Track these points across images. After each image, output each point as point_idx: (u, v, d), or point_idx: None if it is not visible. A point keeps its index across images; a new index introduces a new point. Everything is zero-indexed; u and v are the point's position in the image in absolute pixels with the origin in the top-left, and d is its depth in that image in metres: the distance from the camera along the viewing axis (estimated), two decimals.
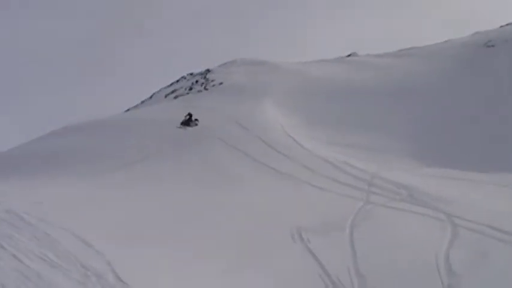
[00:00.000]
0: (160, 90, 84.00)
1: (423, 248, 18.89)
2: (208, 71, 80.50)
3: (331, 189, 28.57)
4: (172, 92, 76.82)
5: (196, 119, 37.29)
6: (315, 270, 17.68)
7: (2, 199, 22.48)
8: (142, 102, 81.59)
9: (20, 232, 18.40)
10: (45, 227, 19.17)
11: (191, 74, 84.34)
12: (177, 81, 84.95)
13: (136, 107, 78.26)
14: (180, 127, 35.05)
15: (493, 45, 69.31)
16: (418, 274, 16.96)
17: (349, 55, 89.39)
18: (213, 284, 16.56)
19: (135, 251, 18.11)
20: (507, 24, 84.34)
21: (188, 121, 36.31)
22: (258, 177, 31.82)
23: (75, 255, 16.84)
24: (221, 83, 68.82)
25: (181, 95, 70.82)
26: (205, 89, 69.17)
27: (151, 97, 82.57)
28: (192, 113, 37.63)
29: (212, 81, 71.96)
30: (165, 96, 75.53)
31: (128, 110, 76.43)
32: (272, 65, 76.70)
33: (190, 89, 73.20)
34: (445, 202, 23.99)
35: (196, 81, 76.31)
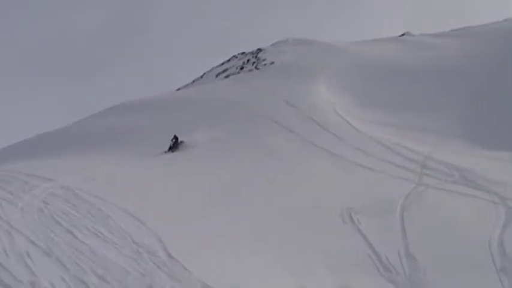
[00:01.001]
0: (211, 69, 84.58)
1: (476, 231, 18.47)
2: (259, 50, 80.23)
3: (382, 170, 28.19)
4: (224, 71, 77.19)
5: (181, 141, 34.24)
6: (365, 251, 17.71)
7: (58, 175, 23.49)
8: (193, 81, 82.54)
9: (74, 208, 19.31)
10: (98, 203, 20.01)
11: (242, 53, 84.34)
12: (228, 60, 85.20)
13: (187, 86, 79.25)
14: (167, 152, 33.00)
15: None
16: (470, 257, 16.65)
17: (402, 34, 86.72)
18: (263, 262, 16.84)
19: (185, 228, 18.66)
20: None
21: (175, 144, 33.45)
22: (309, 158, 31.79)
23: (128, 231, 17.51)
24: (272, 63, 68.57)
25: (233, 74, 71.03)
26: (257, 68, 69.07)
27: (202, 76, 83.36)
28: (177, 135, 34.65)
29: (263, 60, 71.75)
30: (216, 76, 76.04)
31: (179, 89, 77.51)
32: (324, 44, 75.60)
33: (242, 68, 73.29)
34: (499, 184, 23.26)
35: (248, 61, 76.30)
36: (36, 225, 17.08)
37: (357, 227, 19.71)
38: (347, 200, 22.44)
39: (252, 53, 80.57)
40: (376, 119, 43.45)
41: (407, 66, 59.46)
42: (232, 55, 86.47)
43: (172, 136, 33.98)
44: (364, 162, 30.18)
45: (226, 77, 70.71)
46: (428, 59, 61.65)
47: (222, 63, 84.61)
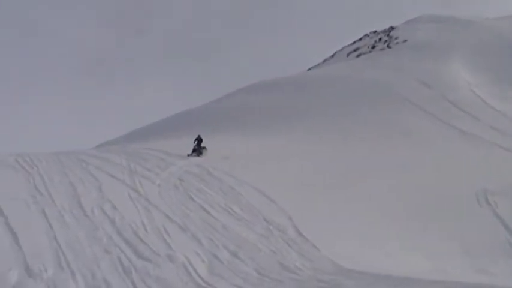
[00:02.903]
0: (342, 48, 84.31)
1: None
2: (392, 28, 78.78)
3: None
4: (355, 50, 76.65)
5: (203, 146, 28.07)
6: (503, 235, 17.22)
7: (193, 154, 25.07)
8: (324, 61, 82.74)
9: (208, 186, 20.65)
10: (231, 181, 21.19)
11: (374, 31, 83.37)
12: (360, 39, 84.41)
13: (318, 65, 79.58)
14: (190, 155, 27.11)
15: None
16: None
17: None
18: (396, 244, 16.85)
19: (315, 207, 19.23)
20: None
21: (199, 147, 27.92)
22: (443, 137, 30.95)
23: (259, 209, 18.43)
24: (405, 41, 66.73)
25: (364, 53, 70.29)
26: (389, 46, 67.77)
27: (333, 56, 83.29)
28: (201, 136, 28.82)
29: (396, 38, 70.24)
30: (347, 55, 75.69)
31: (310, 69, 78.05)
32: (461, 20, 71.56)
33: (373, 47, 72.39)
34: None
35: (380, 39, 75.13)
36: (172, 202, 18.60)
37: (493, 209, 19.11)
38: (483, 182, 21.86)
39: (384, 31, 79.60)
40: None
41: None
42: (363, 34, 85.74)
43: (196, 138, 28.70)
44: (501, 142, 28.86)
45: (358, 56, 70.44)
46: None
47: (354, 42, 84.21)
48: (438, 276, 13.14)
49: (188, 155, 26.68)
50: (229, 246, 15.12)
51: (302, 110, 37.98)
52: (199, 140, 28.55)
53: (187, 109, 50.81)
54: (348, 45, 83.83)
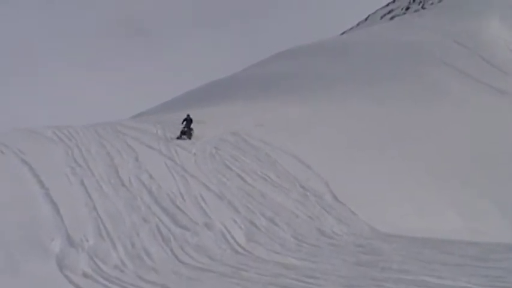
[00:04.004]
0: (376, 11, 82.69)
1: None
2: None
3: None
4: (389, 12, 75.14)
5: (192, 128, 24.28)
6: None
7: (227, 122, 25.07)
8: (358, 24, 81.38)
9: (243, 153, 20.70)
10: (266, 148, 21.21)
11: None
12: (393, 1, 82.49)
13: (351, 29, 78.28)
14: (180, 138, 23.42)
15: None
16: None
17: None
18: (434, 206, 16.73)
19: (351, 172, 19.13)
20: None
21: (189, 129, 23.94)
22: (480, 97, 30.17)
23: (295, 176, 18.43)
24: (440, 1, 64.69)
25: (398, 15, 68.81)
26: (423, 7, 65.97)
27: (366, 19, 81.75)
28: (190, 116, 24.95)
29: None
30: (381, 18, 74.23)
31: (344, 33, 76.87)
32: None
33: (407, 8, 70.77)
34: None
35: (414, 0, 73.23)
36: (208, 170, 18.73)
37: None
38: None
39: None
40: None
41: None
42: None
43: (185, 118, 24.97)
44: None
45: (392, 18, 68.94)
46: None
47: (387, 4, 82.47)
48: (475, 238, 12.98)
49: (177, 138, 23.35)
50: (266, 213, 15.21)
51: (337, 76, 37.48)
52: (188, 120, 24.68)
53: (222, 77, 50.79)
54: (382, 8, 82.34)
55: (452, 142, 22.45)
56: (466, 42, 42.73)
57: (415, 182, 18.72)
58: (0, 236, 12.17)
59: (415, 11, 64.82)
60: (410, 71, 36.45)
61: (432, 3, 64.66)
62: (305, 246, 12.89)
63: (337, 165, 19.58)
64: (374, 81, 34.71)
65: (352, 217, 15.13)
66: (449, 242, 12.62)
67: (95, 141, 22.07)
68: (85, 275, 10.74)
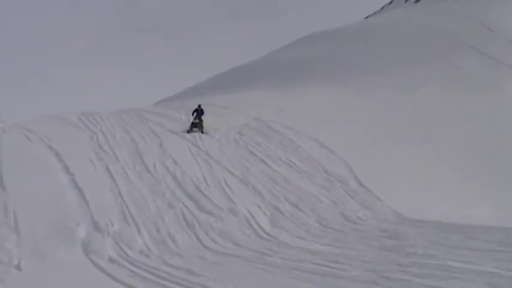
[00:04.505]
0: None
1: None
2: None
3: None
4: None
5: (201, 120, 22.22)
6: None
7: (251, 107, 25.05)
8: (382, 8, 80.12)
9: (267, 139, 20.67)
10: (290, 134, 21.14)
11: None
12: None
13: (375, 13, 77.26)
14: (190, 131, 21.38)
15: None
16: None
17: None
18: (457, 193, 16.58)
19: (375, 158, 18.99)
20: None
21: (200, 121, 21.86)
22: (508, 84, 29.48)
23: (319, 161, 18.37)
24: None
25: None
26: None
27: (391, 2, 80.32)
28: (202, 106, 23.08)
29: None
30: (406, 1, 72.75)
31: (368, 17, 75.93)
32: None
33: None
34: None
35: None
36: (232, 156, 18.76)
37: None
38: None
39: None
40: None
41: None
42: None
43: (195, 109, 23.12)
44: None
45: (417, 1, 67.43)
46: None
47: None
48: (501, 224, 12.78)
49: (188, 132, 21.45)
50: (291, 199, 15.19)
51: (361, 61, 37.02)
52: (199, 111, 22.69)
53: (246, 62, 50.66)
54: None
55: (481, 131, 22.08)
56: (497, 27, 41.69)
57: (441, 170, 18.49)
58: (27, 222, 12.38)
59: None
60: (437, 57, 35.77)
61: None
62: (329, 231, 12.86)
63: (361, 151, 19.40)
64: (399, 67, 34.17)
65: (376, 202, 15.03)
66: (476, 227, 12.46)
67: (120, 127, 22.25)
68: (111, 260, 10.87)
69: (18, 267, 10.33)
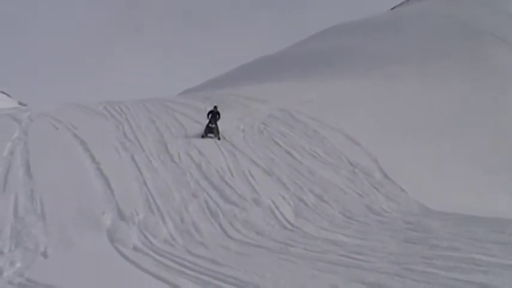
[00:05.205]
0: None
1: None
2: None
3: None
4: None
5: (215, 123, 20.08)
6: None
7: (276, 98, 25.03)
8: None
9: (291, 129, 20.64)
10: (315, 125, 21.06)
11: None
12: None
13: (402, 4, 76.28)
14: (205, 136, 19.63)
15: None
16: None
17: None
18: (481, 185, 16.39)
19: (400, 150, 18.86)
20: None
21: (216, 125, 19.82)
22: None
23: (344, 152, 18.29)
24: None
25: None
26: None
27: None
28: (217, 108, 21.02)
29: None
30: None
31: (394, 7, 75.00)
32: None
33: None
34: None
35: None
36: (256, 146, 18.79)
37: None
38: None
39: None
40: None
41: None
42: None
43: (210, 110, 21.00)
44: None
45: None
46: None
47: None
48: None
49: (203, 137, 19.65)
50: (315, 190, 15.15)
51: (388, 53, 36.66)
52: (214, 113, 20.51)
53: (271, 53, 50.58)
54: None
55: (506, 122, 21.74)
56: None
57: (465, 162, 18.31)
58: (53, 210, 12.59)
59: None
60: (464, 48, 35.20)
61: None
62: (354, 223, 12.80)
63: (387, 143, 19.27)
64: (426, 59, 33.72)
65: (401, 194, 14.92)
66: (501, 220, 12.32)
67: (145, 116, 22.44)
68: (135, 249, 10.98)
69: (44, 255, 10.51)
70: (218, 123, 20.10)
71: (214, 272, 9.00)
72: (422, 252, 9.61)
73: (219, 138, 19.44)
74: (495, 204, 15.28)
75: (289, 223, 12.89)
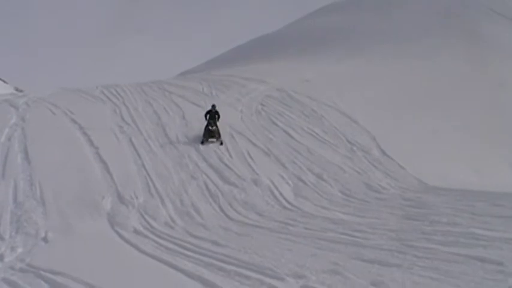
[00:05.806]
0: None
1: None
2: None
3: None
4: None
5: (215, 124, 17.46)
6: None
7: (273, 78, 24.88)
8: None
9: (289, 109, 20.54)
10: (312, 104, 20.96)
11: None
12: None
13: None
14: (206, 141, 17.12)
15: None
16: None
17: None
18: (480, 161, 16.45)
19: (398, 127, 18.84)
20: None
21: (216, 127, 17.36)
22: None
23: (342, 131, 18.26)
24: None
25: None
26: None
27: None
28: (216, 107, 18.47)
29: None
30: None
31: None
32: None
33: None
34: None
35: None
36: (254, 127, 18.70)
37: None
38: None
39: None
40: None
41: None
42: None
43: (209, 110, 18.31)
44: None
45: None
46: None
47: None
48: None
49: (202, 143, 17.08)
50: (314, 169, 15.15)
51: (384, 31, 36.25)
52: (213, 113, 18.08)
53: (265, 33, 50.16)
54: None
55: (505, 97, 21.66)
56: None
57: (463, 137, 18.28)
58: (53, 195, 12.61)
59: None
60: (463, 24, 34.76)
61: None
62: (353, 201, 12.84)
63: (384, 120, 19.19)
64: (419, 36, 33.38)
65: (400, 171, 14.93)
66: (501, 194, 12.34)
67: (142, 99, 22.33)
68: (136, 232, 11.03)
69: (45, 240, 10.57)
70: (218, 123, 17.75)
71: (215, 253, 9.02)
72: (422, 228, 9.64)
73: (221, 143, 17.14)
74: (494, 178, 15.31)
75: (289, 203, 12.92)
